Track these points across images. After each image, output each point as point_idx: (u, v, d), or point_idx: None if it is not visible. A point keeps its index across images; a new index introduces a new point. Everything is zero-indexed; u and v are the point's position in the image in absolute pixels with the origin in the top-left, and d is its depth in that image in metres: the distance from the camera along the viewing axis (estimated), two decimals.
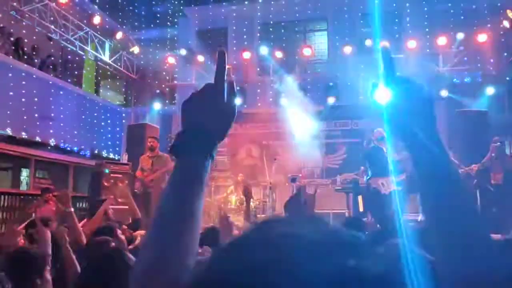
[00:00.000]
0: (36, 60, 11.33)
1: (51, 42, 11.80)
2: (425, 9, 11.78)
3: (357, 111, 10.81)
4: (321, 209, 10.10)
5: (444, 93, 10.72)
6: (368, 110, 10.71)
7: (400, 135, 0.87)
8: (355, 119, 11.68)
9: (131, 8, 14.10)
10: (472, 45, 10.72)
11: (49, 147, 10.88)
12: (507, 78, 10.81)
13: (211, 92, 0.92)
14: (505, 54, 10.96)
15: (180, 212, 0.85)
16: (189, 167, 0.89)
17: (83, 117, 12.06)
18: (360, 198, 9.12)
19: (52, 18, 10.71)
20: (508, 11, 10.14)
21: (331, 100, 11.75)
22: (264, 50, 12.03)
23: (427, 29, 11.54)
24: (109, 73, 14.01)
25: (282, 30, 13.09)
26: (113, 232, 3.19)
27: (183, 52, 12.27)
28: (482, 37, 10.56)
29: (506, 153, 8.31)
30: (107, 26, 12.89)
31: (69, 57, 13.09)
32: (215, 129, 0.91)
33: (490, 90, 10.40)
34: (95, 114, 12.58)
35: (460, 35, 10.71)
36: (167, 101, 13.42)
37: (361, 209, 8.93)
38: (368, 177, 7.75)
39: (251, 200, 4.36)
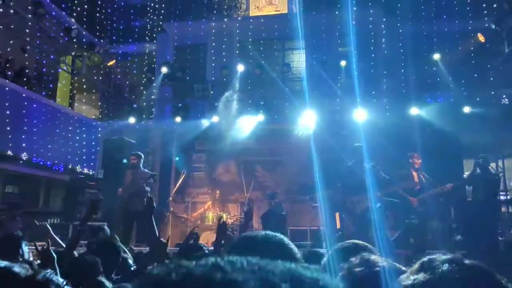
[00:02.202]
0: (9, 72, 11.07)
1: (26, 55, 11.57)
2: (400, 30, 12.12)
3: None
4: (298, 225, 10.13)
5: (414, 111, 10.84)
6: (343, 128, 10.92)
7: None
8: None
9: (109, 22, 13.99)
10: (445, 66, 11.04)
11: (21, 161, 10.57)
12: (477, 99, 11.15)
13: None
14: (475, 75, 11.35)
15: None
16: None
17: (57, 130, 11.79)
18: (337, 215, 9.19)
19: (28, 30, 10.53)
20: (479, 35, 10.54)
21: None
22: (241, 67, 12.09)
23: (401, 50, 11.87)
24: (84, 86, 13.80)
25: (261, 48, 13.21)
26: None
27: (164, 70, 12.19)
28: (454, 59, 10.93)
29: (489, 169, 8.44)
30: (84, 40, 12.74)
31: (44, 70, 12.86)
32: None
33: (466, 109, 10.66)
34: (70, 128, 12.31)
35: (436, 56, 11.03)
36: (144, 116, 13.30)
37: (338, 226, 8.99)
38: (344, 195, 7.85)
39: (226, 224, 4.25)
